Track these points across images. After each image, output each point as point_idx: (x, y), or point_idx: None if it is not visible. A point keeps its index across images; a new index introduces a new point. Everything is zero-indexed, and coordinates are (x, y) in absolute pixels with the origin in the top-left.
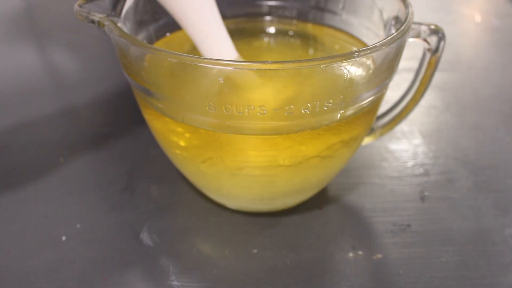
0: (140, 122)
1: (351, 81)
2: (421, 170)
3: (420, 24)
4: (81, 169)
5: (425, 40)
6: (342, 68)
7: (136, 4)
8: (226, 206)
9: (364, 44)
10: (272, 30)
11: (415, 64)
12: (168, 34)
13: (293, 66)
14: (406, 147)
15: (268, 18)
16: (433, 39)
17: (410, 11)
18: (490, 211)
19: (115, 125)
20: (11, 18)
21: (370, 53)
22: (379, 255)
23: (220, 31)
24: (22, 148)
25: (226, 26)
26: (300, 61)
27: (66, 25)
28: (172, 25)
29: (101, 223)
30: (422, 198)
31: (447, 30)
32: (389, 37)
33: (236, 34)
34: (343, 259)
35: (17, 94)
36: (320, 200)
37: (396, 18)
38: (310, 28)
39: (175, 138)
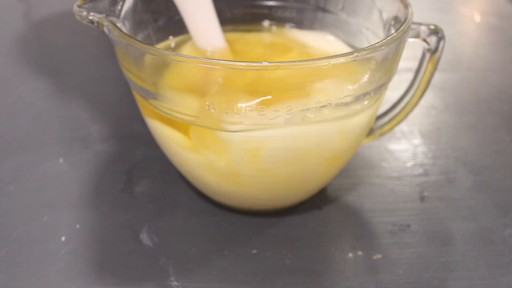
0: (139, 122)
1: (350, 81)
2: (420, 170)
3: (419, 24)
4: (80, 169)
5: (424, 40)
6: (341, 68)
7: (135, 5)
8: (226, 206)
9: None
10: (271, 29)
11: (415, 64)
12: (170, 37)
13: (291, 66)
14: (405, 147)
15: (267, 18)
16: (433, 39)
17: (409, 11)
18: (490, 211)
19: (115, 125)
20: (11, 19)
21: (369, 53)
22: (379, 255)
23: (213, 20)
24: (22, 148)
25: (226, 26)
26: (298, 61)
27: (65, 25)
28: (171, 26)
29: (100, 223)
30: (422, 198)
31: (446, 30)
32: (389, 37)
33: (235, 34)
34: (343, 259)
35: (16, 94)
36: (320, 200)
37: (396, 18)
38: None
39: (174, 138)
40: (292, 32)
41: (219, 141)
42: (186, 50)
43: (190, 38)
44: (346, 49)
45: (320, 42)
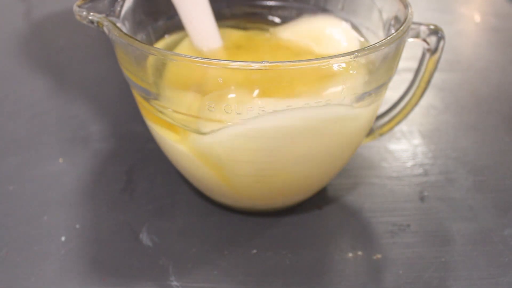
0: (139, 122)
1: (350, 81)
2: (420, 170)
3: (419, 24)
4: (80, 169)
5: (424, 40)
6: (341, 68)
7: (135, 5)
8: (225, 206)
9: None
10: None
11: (415, 64)
12: (166, 36)
13: (292, 66)
14: (405, 147)
15: (266, 18)
16: (433, 39)
17: (409, 11)
18: (490, 211)
19: (115, 125)
20: (11, 19)
21: (369, 53)
22: (379, 255)
23: (209, 19)
24: (22, 148)
25: (225, 25)
26: (299, 61)
27: (65, 25)
28: (171, 26)
29: (100, 223)
30: (422, 198)
31: (446, 30)
32: (389, 37)
33: (235, 32)
34: (342, 259)
35: (16, 94)
36: (320, 200)
37: (396, 18)
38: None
39: (174, 138)
40: (296, 25)
41: (218, 141)
42: (183, 47)
43: (186, 35)
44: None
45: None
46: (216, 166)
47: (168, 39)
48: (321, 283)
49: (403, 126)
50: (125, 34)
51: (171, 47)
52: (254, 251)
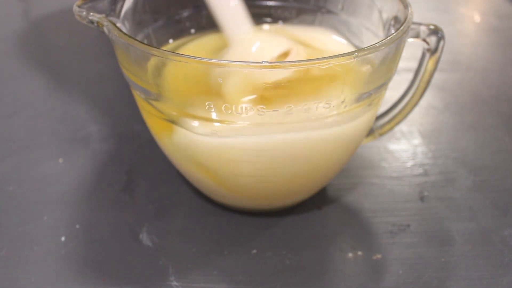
0: (139, 122)
1: (350, 81)
2: (420, 170)
3: (419, 24)
4: (80, 170)
5: (424, 40)
6: (341, 68)
7: (135, 5)
8: (225, 206)
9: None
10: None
11: (415, 64)
12: (170, 41)
13: (291, 66)
14: (405, 147)
15: (267, 18)
16: (433, 39)
17: (409, 11)
18: (489, 211)
19: (115, 125)
20: (10, 19)
21: (369, 53)
22: (379, 255)
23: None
24: (22, 148)
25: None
26: (298, 61)
27: (65, 25)
28: (171, 26)
29: (100, 223)
30: (422, 198)
31: (446, 30)
32: (388, 37)
33: None
34: (342, 259)
35: (16, 94)
36: (320, 200)
37: (396, 18)
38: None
39: (173, 139)
40: (294, 30)
41: (218, 141)
42: (187, 51)
43: (190, 40)
44: (348, 47)
45: (323, 40)
46: (215, 166)
47: (172, 44)
48: (321, 283)
49: (403, 126)
50: (125, 34)
51: (175, 50)
52: (254, 251)
